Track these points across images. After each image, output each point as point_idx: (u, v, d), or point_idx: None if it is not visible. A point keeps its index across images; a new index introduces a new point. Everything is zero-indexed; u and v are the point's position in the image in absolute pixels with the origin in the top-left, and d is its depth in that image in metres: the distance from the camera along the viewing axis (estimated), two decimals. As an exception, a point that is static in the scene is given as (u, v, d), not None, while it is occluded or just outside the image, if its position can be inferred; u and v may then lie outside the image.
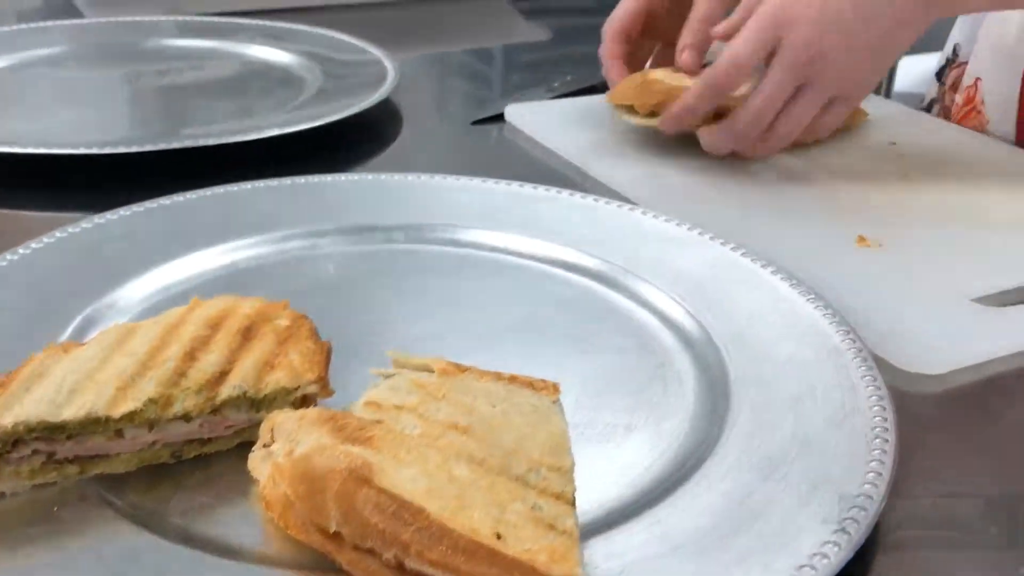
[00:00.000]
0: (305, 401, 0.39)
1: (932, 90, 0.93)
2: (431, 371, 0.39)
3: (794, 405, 0.42)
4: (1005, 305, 0.52)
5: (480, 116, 0.81)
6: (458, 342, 0.47)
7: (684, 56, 0.71)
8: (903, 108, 0.85)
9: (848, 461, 0.38)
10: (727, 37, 0.66)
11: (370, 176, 0.61)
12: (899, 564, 0.37)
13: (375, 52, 0.88)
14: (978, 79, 0.83)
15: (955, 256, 0.57)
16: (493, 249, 0.55)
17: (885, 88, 1.96)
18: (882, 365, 0.47)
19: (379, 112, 0.80)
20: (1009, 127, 0.79)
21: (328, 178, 0.61)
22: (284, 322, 0.42)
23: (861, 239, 0.58)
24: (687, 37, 0.71)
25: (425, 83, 0.95)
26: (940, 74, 0.92)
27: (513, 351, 0.47)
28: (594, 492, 0.37)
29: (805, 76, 0.62)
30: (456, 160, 0.77)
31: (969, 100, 0.84)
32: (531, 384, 0.39)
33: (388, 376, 0.39)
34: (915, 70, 1.45)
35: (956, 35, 0.91)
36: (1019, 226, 0.58)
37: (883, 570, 0.36)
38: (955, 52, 0.90)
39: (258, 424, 0.37)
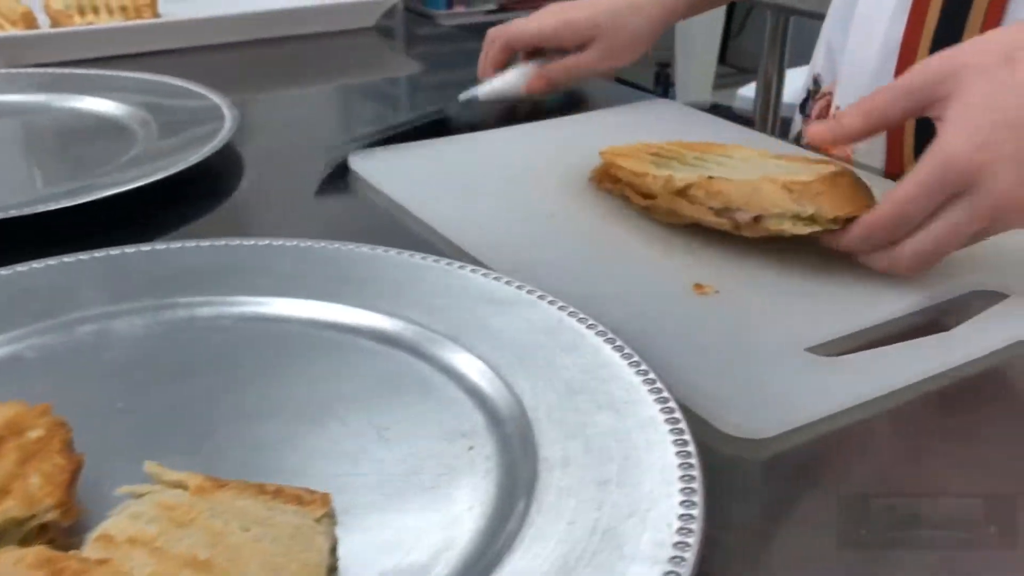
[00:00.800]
0: (45, 530, 0.35)
1: (798, 122, 0.92)
2: (186, 487, 0.35)
3: (600, 490, 0.39)
4: (840, 353, 0.50)
5: (326, 163, 0.77)
6: (251, 434, 0.43)
7: (536, 83, 0.85)
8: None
9: (648, 559, 0.35)
10: (870, 128, 0.56)
11: (177, 245, 0.57)
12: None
13: (214, 98, 0.83)
14: (839, 108, 0.82)
15: (792, 301, 0.55)
16: (302, 322, 0.51)
17: (774, 104, 1.98)
18: (709, 429, 0.45)
19: (219, 163, 0.75)
20: (877, 157, 0.77)
21: (130, 249, 0.56)
22: (37, 433, 0.38)
23: (698, 286, 0.56)
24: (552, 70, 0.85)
25: (275, 129, 0.90)
26: (803, 106, 0.91)
27: (307, 443, 0.43)
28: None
29: (990, 220, 0.52)
30: (294, 215, 0.72)
31: None
32: (298, 497, 0.35)
33: (140, 495, 0.35)
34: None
35: (816, 66, 0.89)
36: (858, 268, 0.56)
37: None
38: (816, 83, 0.89)
39: (-13, 562, 0.33)
